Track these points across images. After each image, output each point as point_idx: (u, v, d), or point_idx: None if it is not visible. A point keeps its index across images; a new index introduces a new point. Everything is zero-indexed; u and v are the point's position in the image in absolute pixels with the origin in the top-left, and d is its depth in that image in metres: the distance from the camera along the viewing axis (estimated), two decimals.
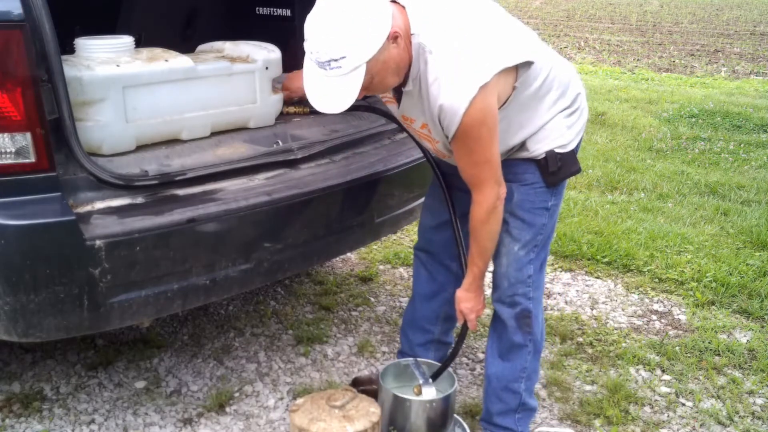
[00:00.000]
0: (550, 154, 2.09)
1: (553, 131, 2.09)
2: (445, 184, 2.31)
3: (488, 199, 2.01)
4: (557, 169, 2.11)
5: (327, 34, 1.75)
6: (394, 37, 1.81)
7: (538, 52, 2.03)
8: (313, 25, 1.78)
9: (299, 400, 2.18)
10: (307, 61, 1.83)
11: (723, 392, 2.73)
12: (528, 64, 1.96)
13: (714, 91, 8.83)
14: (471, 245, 2.15)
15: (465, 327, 2.31)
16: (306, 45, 1.80)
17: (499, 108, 1.96)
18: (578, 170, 2.19)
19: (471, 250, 2.16)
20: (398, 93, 2.05)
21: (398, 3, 1.89)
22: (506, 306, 2.23)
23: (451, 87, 1.84)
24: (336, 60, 1.74)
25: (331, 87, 1.80)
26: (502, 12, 2.08)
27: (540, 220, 2.18)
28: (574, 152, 2.15)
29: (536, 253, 2.21)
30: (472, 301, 2.23)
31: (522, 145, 2.10)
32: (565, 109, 2.10)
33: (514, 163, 2.12)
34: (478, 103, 1.83)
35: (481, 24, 1.96)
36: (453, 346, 2.40)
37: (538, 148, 2.09)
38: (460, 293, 2.25)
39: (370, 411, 2.12)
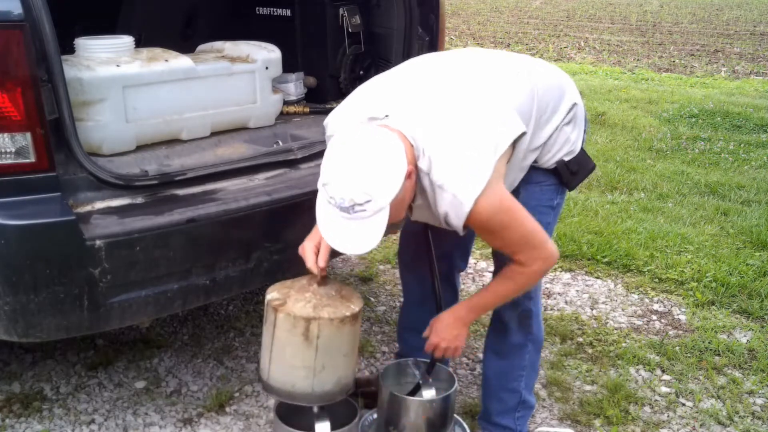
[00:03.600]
0: (560, 164, 2.10)
1: (555, 144, 2.09)
2: None
3: (529, 264, 1.95)
4: (577, 170, 2.12)
5: (349, 179, 1.72)
6: (409, 174, 1.79)
7: (522, 83, 2.01)
8: (332, 170, 1.75)
9: (288, 281, 2.09)
10: (325, 204, 1.78)
11: (723, 392, 2.73)
12: (518, 137, 1.93)
13: (714, 91, 8.82)
14: (493, 282, 2.10)
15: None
16: (325, 189, 1.76)
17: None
18: (594, 167, 2.20)
19: (489, 286, 2.10)
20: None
21: (393, 128, 1.84)
22: (508, 307, 2.22)
23: (452, 195, 1.81)
24: (360, 204, 1.71)
25: (355, 230, 1.75)
26: (484, 66, 2.04)
27: (545, 219, 2.17)
28: (583, 151, 2.16)
29: None
30: (449, 331, 2.10)
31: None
32: (562, 121, 2.09)
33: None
34: (481, 202, 1.81)
35: (471, 110, 1.91)
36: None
37: (546, 161, 2.10)
38: (440, 319, 2.14)
39: (349, 303, 2.00)
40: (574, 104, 2.12)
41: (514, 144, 1.94)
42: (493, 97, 1.97)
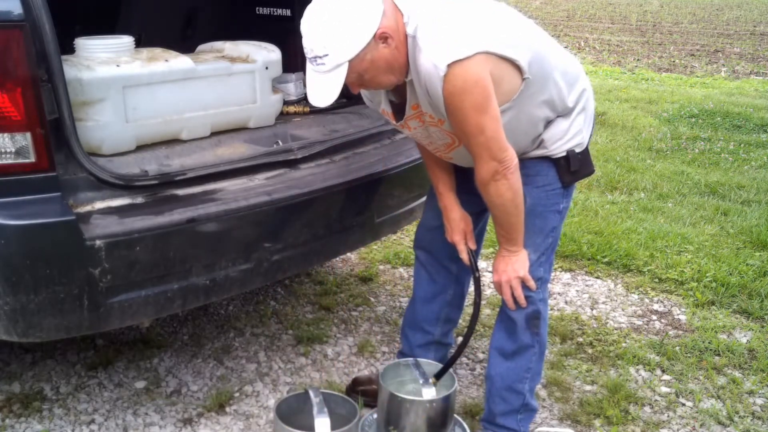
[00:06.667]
0: (571, 153, 2.11)
1: (570, 129, 2.10)
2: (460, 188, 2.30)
3: (482, 173, 1.99)
4: (578, 168, 2.13)
5: (313, 31, 1.82)
6: (383, 38, 1.85)
7: (541, 48, 2.03)
8: (304, 22, 1.85)
9: None
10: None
11: (723, 392, 2.73)
12: (518, 59, 1.93)
13: (714, 91, 8.83)
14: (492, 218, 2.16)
15: (470, 328, 2.28)
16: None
17: (510, 100, 1.97)
18: (593, 170, 2.21)
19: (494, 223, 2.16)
20: (403, 93, 2.04)
21: (394, 3, 1.90)
22: (517, 308, 2.23)
23: (430, 54, 1.85)
24: (320, 57, 1.81)
25: (318, 82, 1.86)
26: (504, 7, 2.08)
27: (551, 224, 2.18)
28: (588, 150, 2.16)
29: (547, 256, 2.22)
30: (506, 265, 2.15)
31: (540, 143, 2.11)
32: (576, 106, 2.12)
33: (528, 163, 2.10)
34: (456, 70, 1.83)
35: (474, 9, 1.97)
36: (457, 346, 2.35)
37: (556, 147, 2.11)
38: (494, 265, 2.20)
39: None
40: (584, 89, 2.16)
41: (525, 72, 1.95)
42: (511, 21, 2.02)
